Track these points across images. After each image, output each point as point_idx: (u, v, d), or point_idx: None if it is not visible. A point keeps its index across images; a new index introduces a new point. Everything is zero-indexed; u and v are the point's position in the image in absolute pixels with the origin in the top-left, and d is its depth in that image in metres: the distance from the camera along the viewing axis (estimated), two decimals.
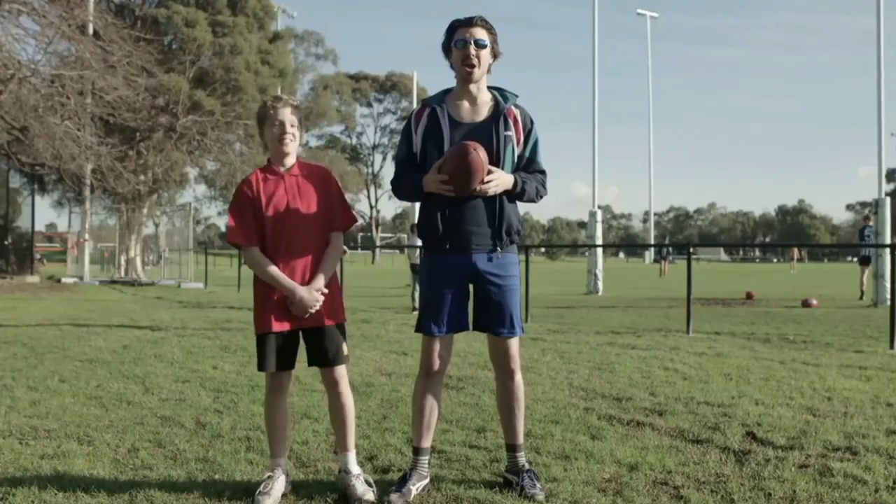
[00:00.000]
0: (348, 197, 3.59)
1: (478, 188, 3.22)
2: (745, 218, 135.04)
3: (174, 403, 5.16)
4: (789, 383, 5.98)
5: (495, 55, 3.40)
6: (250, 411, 4.90)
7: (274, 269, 3.26)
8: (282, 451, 3.37)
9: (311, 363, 3.38)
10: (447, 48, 3.40)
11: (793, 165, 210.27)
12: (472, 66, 3.32)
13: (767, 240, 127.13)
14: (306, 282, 3.26)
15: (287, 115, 3.31)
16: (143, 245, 33.63)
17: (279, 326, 3.28)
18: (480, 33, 3.32)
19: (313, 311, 3.25)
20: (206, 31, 28.89)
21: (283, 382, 3.39)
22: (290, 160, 3.38)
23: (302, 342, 3.37)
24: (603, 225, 21.37)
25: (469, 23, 3.33)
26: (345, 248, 3.66)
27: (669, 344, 8.57)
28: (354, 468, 3.33)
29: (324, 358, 3.34)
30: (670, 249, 40.00)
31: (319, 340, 3.32)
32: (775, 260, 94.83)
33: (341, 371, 3.39)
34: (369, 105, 77.50)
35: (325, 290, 3.28)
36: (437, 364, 3.40)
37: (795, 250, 52.48)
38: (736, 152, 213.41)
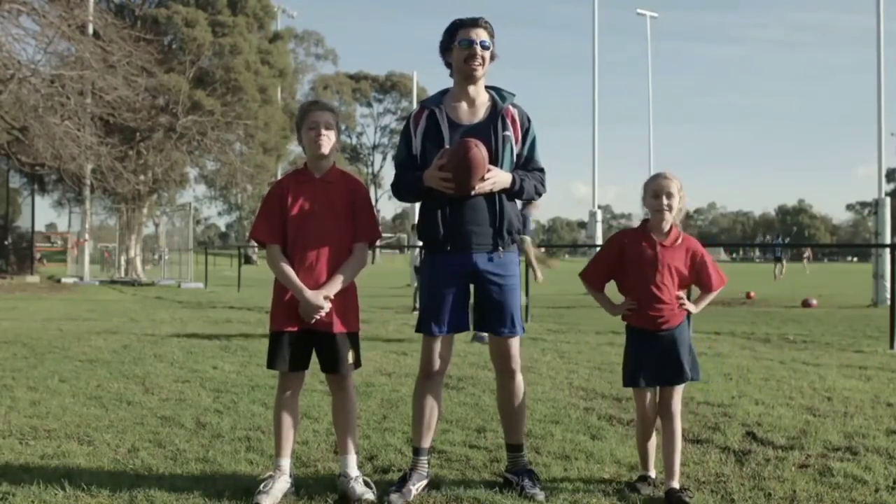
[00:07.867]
0: None
1: (477, 186, 3.22)
2: (745, 218, 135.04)
3: (174, 403, 5.16)
4: (789, 383, 5.99)
5: (493, 57, 3.40)
6: (250, 411, 4.90)
7: (287, 269, 3.26)
8: (286, 450, 3.37)
9: (321, 367, 3.39)
10: (447, 48, 3.39)
11: (793, 165, 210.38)
12: (477, 66, 3.32)
13: (767, 240, 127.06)
14: (320, 286, 3.25)
15: (322, 118, 3.32)
16: (144, 245, 33.62)
17: (289, 326, 3.28)
18: (484, 34, 3.33)
19: (318, 316, 3.23)
20: (206, 31, 28.88)
21: (293, 383, 3.39)
22: (325, 164, 3.38)
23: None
24: (603, 225, 21.33)
25: (474, 23, 3.33)
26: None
27: None
28: (353, 471, 3.33)
29: (329, 364, 3.34)
30: (780, 249, 31.37)
31: (327, 346, 3.31)
32: None
33: (346, 378, 3.39)
34: (369, 105, 77.43)
35: (332, 297, 3.25)
36: (437, 364, 3.40)
37: (809, 250, 52.30)
38: (736, 152, 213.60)
